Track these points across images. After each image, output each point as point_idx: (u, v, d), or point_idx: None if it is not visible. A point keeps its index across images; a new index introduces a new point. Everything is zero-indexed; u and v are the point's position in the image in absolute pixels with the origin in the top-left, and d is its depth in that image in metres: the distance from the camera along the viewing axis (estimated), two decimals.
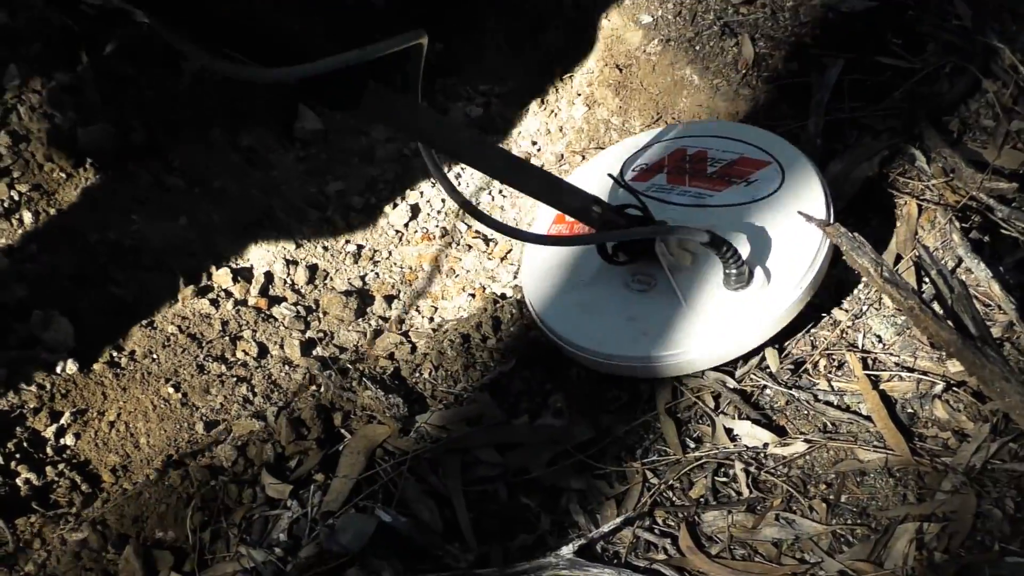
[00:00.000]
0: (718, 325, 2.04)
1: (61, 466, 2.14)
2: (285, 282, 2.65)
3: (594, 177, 2.32)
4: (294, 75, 1.38)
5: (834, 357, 2.15)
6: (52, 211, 2.55)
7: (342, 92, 1.48)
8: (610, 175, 2.24)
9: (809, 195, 2.15)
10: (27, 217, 2.50)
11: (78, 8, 2.82)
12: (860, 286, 2.24)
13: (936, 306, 2.08)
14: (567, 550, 1.86)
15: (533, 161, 3.00)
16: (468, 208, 1.94)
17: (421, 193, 2.97)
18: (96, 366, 2.34)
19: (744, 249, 2.04)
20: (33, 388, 2.24)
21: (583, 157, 2.91)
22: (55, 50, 2.74)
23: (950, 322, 2.00)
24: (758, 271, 2.03)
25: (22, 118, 2.58)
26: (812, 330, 2.20)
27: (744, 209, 2.15)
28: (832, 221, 2.10)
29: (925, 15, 2.72)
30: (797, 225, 2.08)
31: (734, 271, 1.99)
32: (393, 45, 1.45)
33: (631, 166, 2.36)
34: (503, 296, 2.53)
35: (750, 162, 2.23)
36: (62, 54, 2.74)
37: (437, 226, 2.88)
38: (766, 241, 2.07)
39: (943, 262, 2.19)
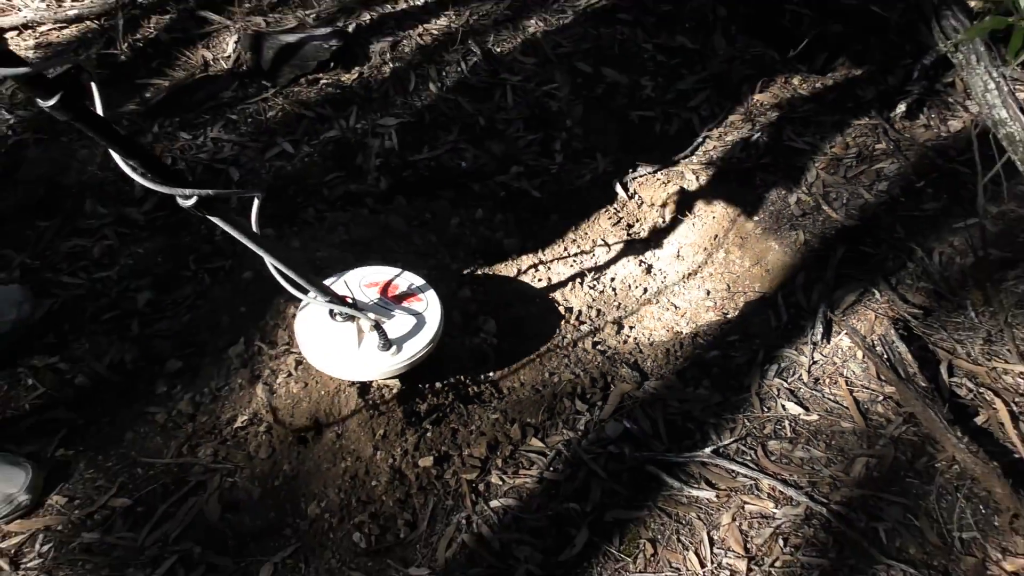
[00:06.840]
0: (363, 361, 3.10)
1: None
2: None
3: (353, 278, 3.45)
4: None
5: None
6: None
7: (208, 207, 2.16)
8: (345, 282, 3.36)
9: (430, 322, 3.25)
10: None
11: None
12: None
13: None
14: None
15: None
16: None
17: None
18: None
19: (393, 332, 3.17)
20: None
21: None
22: None
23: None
24: (393, 348, 3.11)
25: None
26: None
27: (404, 316, 3.28)
28: (439, 334, 3.23)
29: None
30: (421, 336, 3.20)
31: (381, 342, 3.08)
32: (235, 192, 2.35)
33: (367, 279, 3.45)
34: None
35: (415, 297, 3.39)
36: None
37: None
38: (406, 335, 3.20)
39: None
